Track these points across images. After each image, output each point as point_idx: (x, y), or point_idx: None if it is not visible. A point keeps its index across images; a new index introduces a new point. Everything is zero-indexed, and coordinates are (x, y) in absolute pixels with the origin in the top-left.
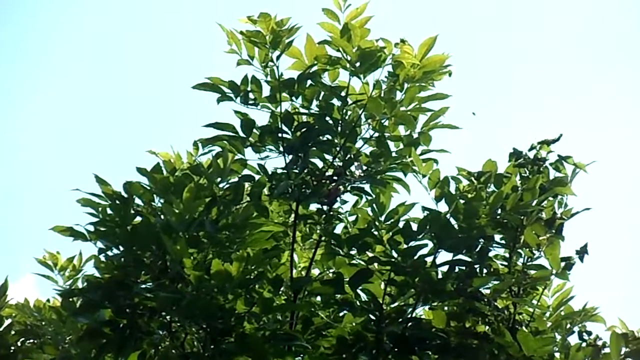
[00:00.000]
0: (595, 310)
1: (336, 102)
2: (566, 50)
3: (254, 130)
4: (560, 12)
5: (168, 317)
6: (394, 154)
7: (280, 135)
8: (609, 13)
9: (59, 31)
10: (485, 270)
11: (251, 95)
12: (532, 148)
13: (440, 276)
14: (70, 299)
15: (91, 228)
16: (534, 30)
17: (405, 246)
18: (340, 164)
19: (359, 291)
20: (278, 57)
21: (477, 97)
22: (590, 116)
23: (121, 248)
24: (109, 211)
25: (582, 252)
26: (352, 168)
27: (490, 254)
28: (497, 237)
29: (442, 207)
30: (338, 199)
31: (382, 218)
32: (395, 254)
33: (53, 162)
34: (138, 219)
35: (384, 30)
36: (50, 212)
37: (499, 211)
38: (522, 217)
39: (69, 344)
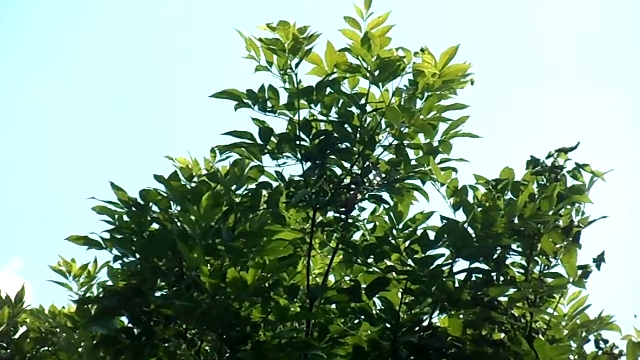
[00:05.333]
0: (611, 318)
1: (355, 110)
2: (585, 58)
3: (272, 138)
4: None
5: (184, 324)
6: (412, 162)
7: (298, 142)
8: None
9: (74, 34)
10: (502, 278)
11: (269, 103)
12: (549, 156)
13: (456, 285)
14: (85, 306)
15: (106, 235)
16: (556, 39)
17: (422, 255)
18: (359, 171)
19: (375, 299)
20: (297, 65)
21: (497, 106)
22: (609, 124)
23: (137, 255)
24: (125, 218)
25: (599, 260)
26: (370, 176)
27: (507, 262)
28: (514, 245)
29: (460, 215)
30: (356, 206)
31: (400, 226)
32: (412, 263)
33: (68, 169)
34: (154, 226)
35: (405, 39)
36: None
37: (516, 219)
38: (539, 225)
39: (83, 352)
